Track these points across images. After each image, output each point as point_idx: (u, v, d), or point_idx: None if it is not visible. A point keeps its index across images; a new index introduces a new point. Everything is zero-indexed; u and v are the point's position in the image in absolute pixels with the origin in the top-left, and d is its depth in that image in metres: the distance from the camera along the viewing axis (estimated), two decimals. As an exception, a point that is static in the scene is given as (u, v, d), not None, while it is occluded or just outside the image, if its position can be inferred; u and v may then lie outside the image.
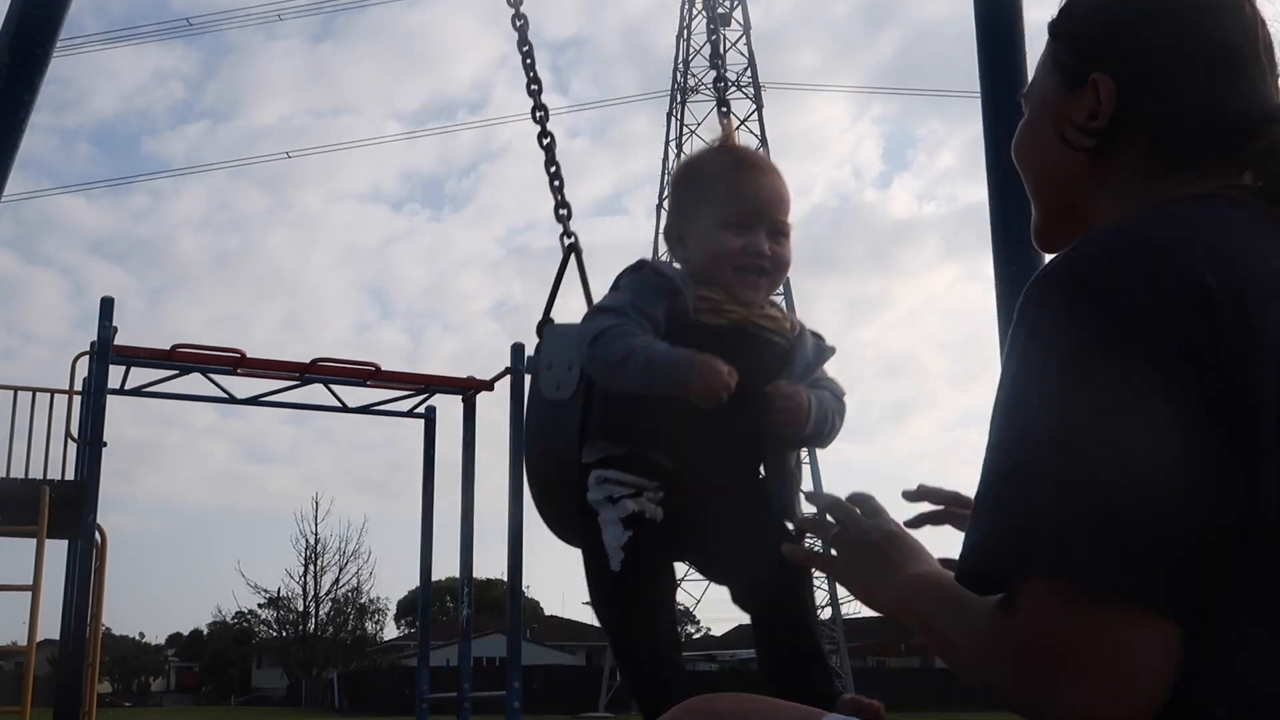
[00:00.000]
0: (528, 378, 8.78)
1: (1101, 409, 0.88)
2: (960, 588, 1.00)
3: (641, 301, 2.00)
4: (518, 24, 3.49)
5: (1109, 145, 1.11)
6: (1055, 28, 1.19)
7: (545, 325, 2.43)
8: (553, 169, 3.31)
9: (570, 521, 2.09)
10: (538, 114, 3.36)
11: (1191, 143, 1.07)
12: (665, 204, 2.13)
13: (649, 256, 2.17)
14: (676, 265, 2.15)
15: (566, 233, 3.07)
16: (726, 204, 2.05)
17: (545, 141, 3.33)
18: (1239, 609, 0.89)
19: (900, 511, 1.31)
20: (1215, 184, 1.06)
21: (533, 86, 3.39)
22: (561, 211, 3.21)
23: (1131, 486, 0.86)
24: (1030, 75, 1.24)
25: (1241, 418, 0.87)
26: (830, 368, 2.14)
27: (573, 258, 2.97)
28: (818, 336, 2.17)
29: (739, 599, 2.02)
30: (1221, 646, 0.88)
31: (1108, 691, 0.87)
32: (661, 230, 2.13)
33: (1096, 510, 0.87)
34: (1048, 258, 1.03)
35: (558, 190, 3.27)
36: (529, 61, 3.42)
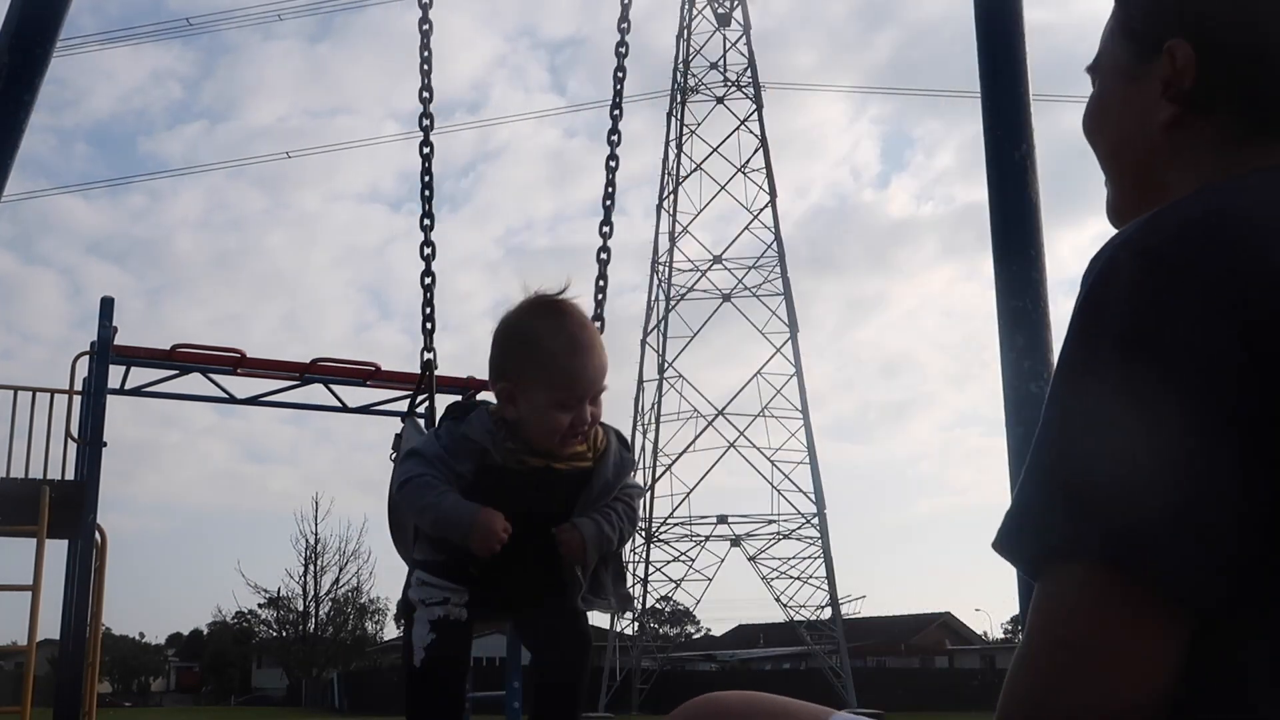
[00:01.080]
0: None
1: (1144, 396, 0.84)
2: None
3: (451, 457, 2.37)
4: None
5: (1185, 115, 1.05)
6: None
7: (407, 417, 3.24)
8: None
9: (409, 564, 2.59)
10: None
11: (1273, 111, 1.02)
12: (494, 370, 2.44)
13: (476, 402, 2.57)
14: (493, 405, 2.45)
15: (427, 346, 3.37)
16: (560, 387, 2.31)
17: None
18: (1253, 620, 0.84)
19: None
20: None
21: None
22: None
23: (1162, 471, 0.83)
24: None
25: None
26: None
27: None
28: (623, 443, 2.50)
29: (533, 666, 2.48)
30: (1228, 661, 0.85)
31: (1113, 686, 0.84)
32: (489, 381, 2.43)
33: (1117, 489, 0.84)
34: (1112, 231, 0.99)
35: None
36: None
